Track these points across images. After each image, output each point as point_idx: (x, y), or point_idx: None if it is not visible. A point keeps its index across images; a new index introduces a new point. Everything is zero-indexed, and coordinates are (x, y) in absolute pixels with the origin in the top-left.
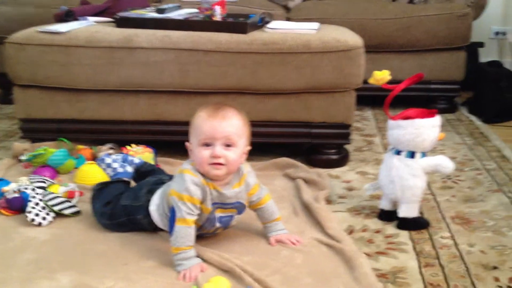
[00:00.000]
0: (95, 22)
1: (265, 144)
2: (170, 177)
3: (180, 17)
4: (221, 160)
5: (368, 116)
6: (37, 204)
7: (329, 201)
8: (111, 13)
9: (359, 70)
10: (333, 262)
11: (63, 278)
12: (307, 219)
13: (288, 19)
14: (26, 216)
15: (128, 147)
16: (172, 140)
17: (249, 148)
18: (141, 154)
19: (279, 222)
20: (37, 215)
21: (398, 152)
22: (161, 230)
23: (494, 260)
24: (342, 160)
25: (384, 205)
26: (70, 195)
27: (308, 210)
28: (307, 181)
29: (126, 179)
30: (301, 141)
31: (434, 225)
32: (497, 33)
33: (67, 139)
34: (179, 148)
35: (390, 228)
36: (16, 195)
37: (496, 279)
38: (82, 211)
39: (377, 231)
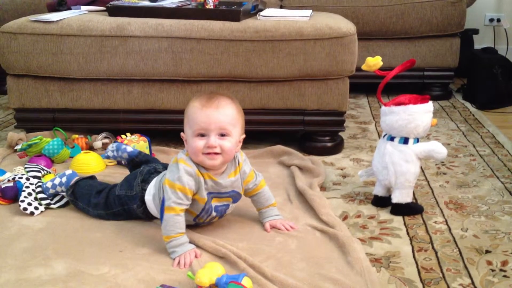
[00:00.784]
0: (87, 11)
1: (259, 132)
2: (165, 166)
3: (173, 5)
4: (216, 150)
5: (362, 104)
6: (30, 194)
7: (323, 187)
8: (104, 2)
9: (352, 57)
10: (327, 248)
11: (58, 265)
12: (302, 206)
13: (281, 7)
14: (19, 206)
15: (123, 136)
16: (165, 129)
17: (243, 136)
18: (135, 143)
19: (274, 208)
20: (29, 204)
21: (391, 138)
22: (157, 218)
23: (487, 244)
24: (336, 147)
25: (378, 191)
26: None
27: (302, 196)
28: (301, 168)
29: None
30: (295, 129)
31: (428, 210)
32: (491, 20)
33: (62, 128)
34: (173, 137)
35: (384, 214)
36: (10, 184)
37: (489, 263)
38: None
39: (371, 217)
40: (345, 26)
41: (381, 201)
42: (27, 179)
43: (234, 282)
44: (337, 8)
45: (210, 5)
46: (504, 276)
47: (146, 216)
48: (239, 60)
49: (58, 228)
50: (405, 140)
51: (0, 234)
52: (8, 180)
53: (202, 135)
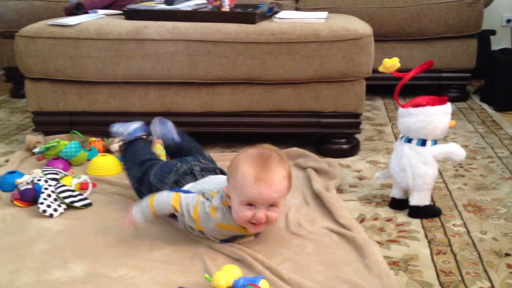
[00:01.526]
0: (104, 14)
1: (275, 134)
2: (202, 168)
3: (189, 9)
4: (263, 221)
5: (378, 106)
6: (49, 195)
7: (339, 190)
8: (120, 6)
9: (368, 59)
10: (344, 250)
11: (76, 267)
12: (318, 208)
13: (297, 9)
14: (38, 208)
15: None
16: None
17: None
18: (152, 145)
19: None
20: (48, 206)
21: (409, 140)
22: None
23: (507, 247)
24: (352, 149)
25: (395, 193)
26: (83, 187)
27: (319, 199)
28: (317, 171)
29: (142, 135)
30: (311, 131)
31: (446, 213)
32: (508, 21)
33: (79, 131)
34: None
35: (402, 217)
36: (29, 186)
37: (509, 266)
38: (94, 202)
39: (388, 220)
40: (361, 27)
41: (399, 204)
42: (46, 181)
43: (252, 284)
44: (352, 10)
45: (226, 7)
46: None
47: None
48: (255, 63)
49: (76, 230)
50: (423, 142)
51: (19, 236)
52: (27, 183)
53: (250, 204)
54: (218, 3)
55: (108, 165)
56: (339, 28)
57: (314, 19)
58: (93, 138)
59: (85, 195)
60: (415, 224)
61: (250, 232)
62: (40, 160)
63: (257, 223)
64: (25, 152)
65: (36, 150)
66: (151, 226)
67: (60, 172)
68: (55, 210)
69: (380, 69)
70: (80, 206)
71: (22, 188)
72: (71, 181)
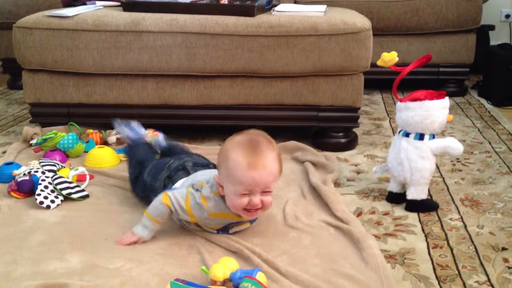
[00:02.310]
0: (102, 6)
1: (273, 128)
2: (195, 163)
3: (187, 1)
4: (258, 207)
5: (377, 100)
6: (46, 187)
7: (337, 184)
8: None
9: (367, 53)
10: (341, 244)
11: (73, 258)
12: (315, 202)
13: (296, 2)
14: (35, 199)
15: None
16: (179, 124)
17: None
18: (150, 138)
19: None
20: (45, 198)
21: (406, 134)
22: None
23: (503, 241)
24: (350, 143)
25: (393, 187)
26: (80, 179)
27: (316, 192)
28: (315, 164)
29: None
30: (309, 125)
31: (443, 207)
32: (507, 16)
33: (76, 123)
34: (187, 132)
35: (399, 210)
36: (26, 178)
37: (505, 260)
38: (91, 194)
39: (386, 213)
40: (360, 21)
41: (396, 198)
42: (43, 172)
43: (249, 277)
44: (351, 4)
45: (225, 0)
46: None
47: None
48: (253, 56)
49: (73, 222)
50: (421, 136)
51: (16, 227)
52: (24, 174)
53: (245, 192)
54: None
55: (105, 157)
56: (338, 21)
57: (313, 13)
58: (91, 130)
59: (82, 187)
60: (412, 218)
61: (245, 219)
62: (37, 152)
63: (253, 209)
64: (22, 144)
65: (33, 141)
66: None
67: (58, 164)
68: (52, 201)
69: (379, 63)
70: (77, 198)
71: (19, 180)
72: (68, 173)
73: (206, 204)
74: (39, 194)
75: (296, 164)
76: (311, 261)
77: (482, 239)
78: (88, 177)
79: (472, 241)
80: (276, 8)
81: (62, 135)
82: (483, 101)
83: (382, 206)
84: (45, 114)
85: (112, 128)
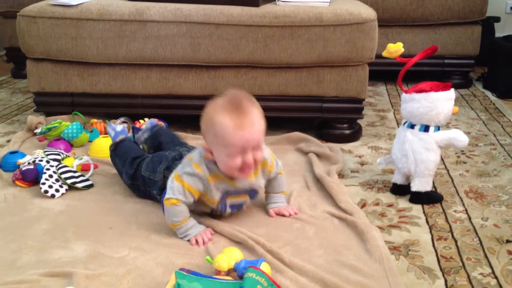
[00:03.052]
0: None
1: (277, 119)
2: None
3: None
4: (252, 164)
5: (381, 91)
6: (50, 176)
7: (341, 175)
8: None
9: (372, 44)
10: (345, 235)
11: (78, 247)
12: (319, 193)
13: None
14: (40, 188)
15: (141, 121)
16: (183, 114)
17: None
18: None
19: (282, 196)
20: (50, 187)
21: (411, 126)
22: None
23: (508, 233)
24: (354, 134)
25: (397, 179)
26: (84, 168)
27: (320, 184)
28: (319, 156)
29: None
30: (313, 116)
31: (448, 199)
32: None
33: (80, 112)
34: (191, 122)
35: (403, 202)
36: (31, 167)
37: (510, 253)
38: (96, 184)
39: (390, 205)
40: (366, 12)
41: (400, 189)
42: (47, 161)
43: (253, 267)
44: None
45: None
46: None
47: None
48: (257, 46)
49: (78, 211)
50: (426, 128)
51: (21, 216)
52: (29, 163)
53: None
54: None
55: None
56: (343, 12)
57: (318, 3)
58: (95, 120)
59: (86, 176)
60: (417, 209)
61: (239, 178)
62: (41, 141)
63: (247, 168)
64: (27, 133)
65: (37, 130)
66: (152, 209)
67: (62, 153)
68: (57, 190)
69: (384, 54)
70: (82, 187)
71: (23, 168)
72: (73, 162)
73: (201, 170)
74: (43, 183)
75: (300, 155)
76: (315, 252)
77: (486, 231)
78: (92, 166)
79: (477, 233)
80: None
81: (66, 124)
82: (488, 93)
83: (386, 197)
84: (49, 104)
85: (116, 117)
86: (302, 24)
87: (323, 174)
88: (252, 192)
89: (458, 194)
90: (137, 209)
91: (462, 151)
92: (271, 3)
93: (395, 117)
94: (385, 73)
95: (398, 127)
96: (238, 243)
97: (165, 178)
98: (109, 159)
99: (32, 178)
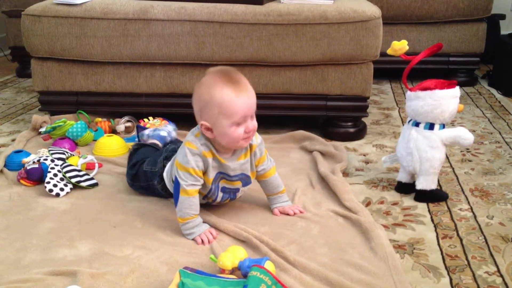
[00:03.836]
0: None
1: (281, 117)
2: None
3: None
4: (255, 129)
5: (386, 89)
6: (55, 175)
7: (346, 173)
8: None
9: (376, 41)
10: (350, 233)
11: (82, 246)
12: (324, 191)
13: None
14: (45, 187)
15: (145, 120)
16: (187, 113)
17: None
18: (158, 127)
19: (283, 195)
20: (55, 185)
21: (416, 124)
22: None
23: None
24: (359, 133)
25: (402, 177)
26: (89, 167)
27: (325, 182)
28: (324, 154)
29: (157, 142)
30: (318, 114)
31: (453, 197)
32: None
33: (85, 111)
34: (195, 121)
35: (408, 200)
36: (36, 166)
37: None
38: (100, 182)
39: (395, 203)
40: (370, 9)
41: (405, 188)
42: (52, 160)
43: (257, 265)
44: None
45: None
46: None
47: (165, 192)
48: (262, 44)
49: (82, 210)
50: (431, 126)
51: (26, 215)
52: (33, 162)
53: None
54: None
55: (114, 145)
56: (347, 10)
57: (322, 1)
58: (99, 119)
59: (91, 175)
60: (421, 208)
61: (242, 147)
62: (46, 140)
63: (249, 134)
64: (31, 132)
65: (42, 129)
66: (156, 207)
67: (67, 152)
68: (62, 189)
69: (389, 51)
70: (86, 186)
71: (28, 167)
72: (77, 161)
73: (195, 147)
74: (48, 182)
75: (304, 154)
76: (319, 250)
77: (491, 229)
78: (97, 165)
79: (482, 232)
80: None
81: (71, 123)
82: (493, 91)
83: (391, 196)
84: (54, 103)
85: (120, 116)
86: (307, 22)
87: (328, 173)
88: (244, 179)
89: (463, 192)
90: (141, 207)
91: (467, 149)
92: (275, 1)
93: (400, 115)
94: (389, 71)
95: (403, 125)
96: (242, 241)
97: (164, 167)
98: (113, 158)
99: (37, 177)
